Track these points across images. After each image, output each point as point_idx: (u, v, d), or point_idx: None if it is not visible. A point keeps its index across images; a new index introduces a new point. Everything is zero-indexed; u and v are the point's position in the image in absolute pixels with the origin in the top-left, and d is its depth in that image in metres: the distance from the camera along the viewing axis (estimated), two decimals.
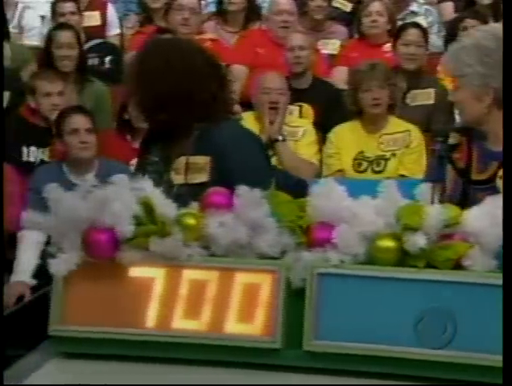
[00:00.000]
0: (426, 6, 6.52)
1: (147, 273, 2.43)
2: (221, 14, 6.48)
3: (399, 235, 2.29)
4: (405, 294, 2.28)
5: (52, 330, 2.46)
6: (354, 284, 2.31)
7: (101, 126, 4.82)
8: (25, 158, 4.83)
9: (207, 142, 2.88)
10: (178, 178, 2.88)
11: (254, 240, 2.39)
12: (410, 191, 2.40)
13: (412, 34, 5.40)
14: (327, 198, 2.39)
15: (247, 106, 5.27)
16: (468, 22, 5.60)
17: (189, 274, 2.40)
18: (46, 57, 5.35)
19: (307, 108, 5.41)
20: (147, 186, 2.43)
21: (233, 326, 2.35)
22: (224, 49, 5.78)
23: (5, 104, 5.16)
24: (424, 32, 5.50)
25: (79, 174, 4.27)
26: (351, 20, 6.42)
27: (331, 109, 5.29)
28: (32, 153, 4.85)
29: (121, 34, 6.58)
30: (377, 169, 4.83)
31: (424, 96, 5.30)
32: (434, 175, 2.51)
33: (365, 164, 4.87)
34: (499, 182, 2.74)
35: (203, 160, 2.86)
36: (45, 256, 2.96)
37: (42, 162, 4.80)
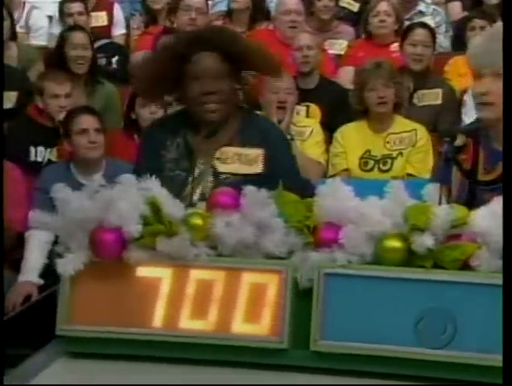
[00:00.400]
0: (433, 6, 6.51)
1: (154, 273, 2.43)
2: (228, 14, 6.48)
3: (406, 235, 2.28)
4: (412, 295, 2.28)
5: (59, 330, 2.47)
6: (361, 284, 2.31)
7: (111, 126, 4.83)
8: (32, 158, 4.83)
9: (254, 131, 2.90)
10: (226, 168, 2.88)
11: (261, 240, 2.39)
12: (417, 191, 2.39)
13: (419, 34, 5.38)
14: (334, 198, 2.39)
15: (254, 106, 5.26)
16: (476, 22, 5.59)
17: (196, 274, 2.40)
18: (58, 58, 5.34)
19: (314, 108, 5.40)
20: (154, 186, 2.43)
21: (239, 326, 2.35)
22: None
23: (12, 104, 5.17)
24: (432, 32, 5.48)
25: (86, 174, 4.27)
26: (358, 20, 6.41)
27: (338, 109, 5.29)
28: (40, 154, 4.86)
29: (128, 35, 6.59)
30: (383, 168, 4.82)
31: (431, 97, 5.29)
32: (440, 177, 2.49)
33: (371, 163, 4.86)
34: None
35: (255, 152, 2.88)
36: (52, 255, 2.96)
37: (49, 161, 4.80)
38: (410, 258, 2.30)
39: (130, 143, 4.80)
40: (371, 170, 4.84)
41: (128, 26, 6.66)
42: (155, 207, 2.39)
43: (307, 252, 2.36)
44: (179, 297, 2.39)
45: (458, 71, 5.52)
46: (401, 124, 4.87)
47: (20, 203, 4.16)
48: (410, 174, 4.74)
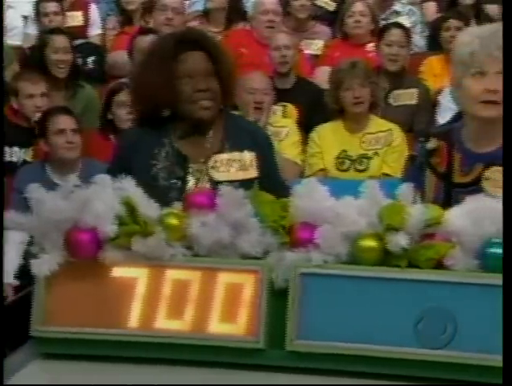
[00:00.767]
0: (409, 6, 6.55)
1: (130, 273, 2.42)
2: (205, 14, 6.48)
3: (382, 235, 2.29)
4: (387, 294, 2.29)
5: (34, 331, 2.45)
6: (337, 284, 2.31)
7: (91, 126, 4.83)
8: (8, 158, 4.81)
9: (242, 134, 2.91)
10: (222, 175, 2.87)
11: (237, 240, 2.39)
12: (392, 191, 2.40)
13: (395, 34, 5.41)
14: (309, 198, 2.39)
15: (230, 106, 5.26)
16: (452, 22, 5.62)
17: (172, 274, 2.40)
18: (38, 62, 5.30)
19: (291, 108, 5.42)
20: (129, 186, 2.42)
21: (216, 326, 2.35)
22: None
23: None
24: (407, 32, 5.52)
25: (62, 174, 4.26)
26: (334, 19, 6.44)
27: (314, 109, 5.31)
28: (15, 154, 4.84)
29: (104, 35, 6.57)
30: (360, 168, 4.85)
31: (407, 97, 5.32)
32: (411, 180, 2.45)
33: (347, 163, 4.88)
34: (485, 184, 2.74)
35: (249, 156, 2.88)
36: (27, 256, 2.95)
37: (24, 162, 4.79)
38: (385, 257, 2.30)
39: (106, 143, 4.80)
40: (347, 170, 4.87)
41: (104, 27, 6.64)
42: (130, 207, 2.38)
43: (283, 252, 2.36)
44: (155, 297, 2.39)
45: (433, 72, 5.56)
46: (377, 124, 4.90)
47: None
48: (386, 174, 4.77)
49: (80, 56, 5.94)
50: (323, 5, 6.60)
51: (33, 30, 6.24)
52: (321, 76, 5.79)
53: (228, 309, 2.35)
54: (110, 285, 2.43)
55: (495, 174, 2.73)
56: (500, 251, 2.21)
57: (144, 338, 2.38)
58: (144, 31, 5.60)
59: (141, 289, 2.40)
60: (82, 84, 5.39)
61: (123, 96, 4.69)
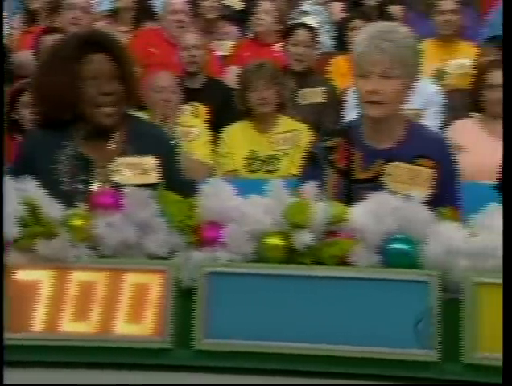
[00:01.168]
0: (316, 6, 6.62)
1: (34, 276, 2.38)
2: (112, 13, 6.42)
3: (287, 233, 2.31)
4: (294, 291, 2.31)
5: None
6: (243, 282, 2.32)
7: None
8: None
9: (145, 138, 2.88)
10: (122, 179, 2.83)
11: (143, 240, 2.38)
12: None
13: (301, 34, 5.46)
14: (216, 197, 2.39)
15: (139, 106, 5.23)
16: (357, 22, 5.71)
17: (77, 276, 2.37)
18: None
19: (201, 108, 5.42)
20: (31, 187, 2.38)
21: (122, 327, 2.33)
22: None
23: None
24: (314, 32, 5.57)
25: None
26: (243, 18, 6.46)
27: (224, 109, 5.31)
28: None
29: (9, 34, 6.45)
30: (269, 168, 4.87)
31: (314, 95, 5.37)
32: (308, 177, 2.48)
33: (257, 164, 4.90)
34: (384, 180, 2.79)
35: (150, 161, 2.85)
36: None
37: None
38: (290, 255, 2.32)
39: (10, 143, 4.70)
40: (256, 170, 4.89)
41: (10, 26, 6.51)
42: (33, 208, 2.34)
43: (190, 252, 2.36)
44: (60, 299, 2.36)
45: (340, 71, 5.63)
46: (285, 124, 4.94)
47: None
48: (294, 175, 4.80)
49: None
50: (231, 4, 6.62)
51: None
52: (232, 76, 5.81)
53: (134, 309, 2.34)
54: (14, 288, 2.38)
55: (394, 169, 2.79)
56: (401, 247, 2.27)
57: (49, 342, 2.34)
58: (49, 30, 5.52)
59: (45, 291, 2.36)
60: None
61: (28, 97, 4.61)
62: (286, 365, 2.29)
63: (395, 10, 6.20)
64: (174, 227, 2.39)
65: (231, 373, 2.32)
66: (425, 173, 2.77)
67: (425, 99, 5.08)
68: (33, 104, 3.14)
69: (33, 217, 2.34)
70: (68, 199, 2.47)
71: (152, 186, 2.76)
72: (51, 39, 5.00)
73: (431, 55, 5.72)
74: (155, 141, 2.92)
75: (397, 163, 2.77)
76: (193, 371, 2.33)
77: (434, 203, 2.42)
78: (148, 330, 2.33)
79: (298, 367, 2.29)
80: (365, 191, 2.46)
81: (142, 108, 5.17)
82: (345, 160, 2.82)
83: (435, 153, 2.82)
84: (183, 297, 2.34)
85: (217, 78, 5.75)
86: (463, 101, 5.00)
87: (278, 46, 5.84)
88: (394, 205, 2.30)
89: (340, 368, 2.26)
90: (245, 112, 4.95)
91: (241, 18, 6.56)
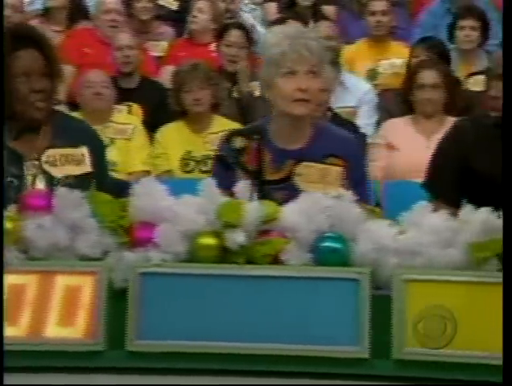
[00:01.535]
0: (252, 6, 6.63)
1: None
2: (45, 12, 6.34)
3: (219, 232, 2.32)
4: (227, 290, 2.31)
5: None
6: (176, 282, 2.32)
7: None
8: None
9: (72, 132, 2.87)
10: (56, 171, 2.81)
11: (75, 241, 2.36)
12: None
13: (234, 35, 5.46)
14: (148, 197, 2.38)
15: (73, 107, 5.19)
16: (291, 22, 5.73)
17: (7, 279, 2.33)
18: None
19: (136, 108, 5.39)
20: None
21: (53, 330, 2.31)
22: None
23: None
24: (247, 33, 5.57)
25: None
26: (178, 18, 6.44)
27: (159, 109, 5.29)
28: None
29: None
30: (204, 169, 4.86)
31: None
32: (218, 180, 2.41)
33: (192, 164, 4.89)
34: (296, 180, 2.80)
35: (80, 151, 2.83)
36: None
37: None
38: (223, 255, 2.33)
39: None
40: (192, 171, 4.88)
41: None
42: None
43: (122, 252, 2.35)
44: None
45: None
46: (220, 123, 4.93)
47: None
48: None
49: None
50: (166, 4, 6.59)
51: None
52: (167, 76, 5.79)
53: (66, 312, 2.32)
54: None
55: (305, 169, 2.81)
56: (332, 245, 2.29)
57: None
58: None
59: None
60: None
61: None
62: (218, 365, 2.29)
63: (328, 10, 6.24)
64: (106, 227, 2.37)
65: (164, 374, 2.31)
66: (335, 171, 2.80)
67: (358, 98, 5.14)
68: None
69: None
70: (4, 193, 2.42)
71: (86, 175, 2.76)
72: None
73: (363, 54, 5.80)
74: (83, 136, 2.90)
75: (307, 163, 2.79)
76: (126, 373, 2.32)
77: None
78: (80, 332, 2.30)
79: (230, 366, 2.29)
80: (278, 192, 2.47)
81: (75, 108, 5.13)
82: (255, 161, 2.81)
83: (345, 152, 2.85)
84: (115, 299, 2.33)
85: (152, 78, 5.73)
86: (395, 101, 5.06)
87: (213, 46, 5.84)
88: (326, 204, 2.32)
89: (273, 367, 2.27)
90: (179, 113, 4.94)
91: (176, 18, 6.53)
